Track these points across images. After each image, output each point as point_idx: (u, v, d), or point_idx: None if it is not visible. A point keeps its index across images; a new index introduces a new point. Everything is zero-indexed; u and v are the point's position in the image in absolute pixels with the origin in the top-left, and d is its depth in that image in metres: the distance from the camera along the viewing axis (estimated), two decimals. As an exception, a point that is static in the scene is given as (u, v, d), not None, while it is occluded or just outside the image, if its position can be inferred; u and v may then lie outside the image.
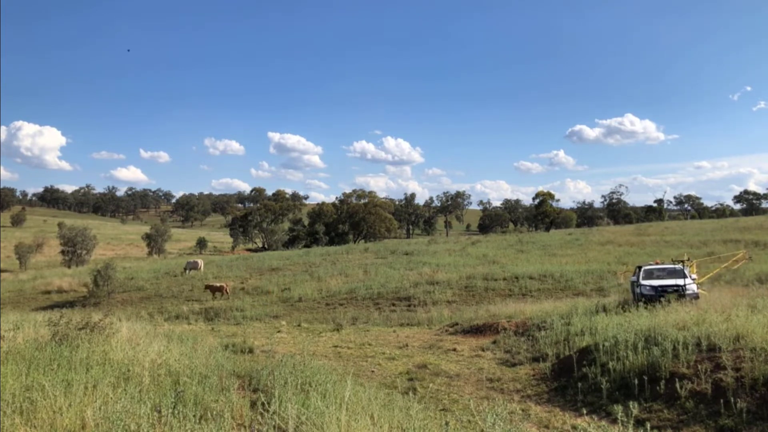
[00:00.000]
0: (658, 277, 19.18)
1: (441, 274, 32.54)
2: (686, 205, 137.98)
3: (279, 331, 22.00)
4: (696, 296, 17.77)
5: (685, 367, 10.29)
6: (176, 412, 5.48)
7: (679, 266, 19.80)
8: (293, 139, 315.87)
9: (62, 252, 67.83)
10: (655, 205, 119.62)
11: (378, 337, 19.95)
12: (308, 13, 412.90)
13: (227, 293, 32.29)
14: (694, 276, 21.59)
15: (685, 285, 18.07)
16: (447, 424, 6.80)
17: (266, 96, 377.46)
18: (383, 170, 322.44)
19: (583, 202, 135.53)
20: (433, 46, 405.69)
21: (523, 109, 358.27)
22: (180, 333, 15.04)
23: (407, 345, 18.00)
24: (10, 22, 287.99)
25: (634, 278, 19.93)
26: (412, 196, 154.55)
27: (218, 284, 33.09)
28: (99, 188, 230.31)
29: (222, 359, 10.53)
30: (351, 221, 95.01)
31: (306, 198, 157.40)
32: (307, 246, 79.43)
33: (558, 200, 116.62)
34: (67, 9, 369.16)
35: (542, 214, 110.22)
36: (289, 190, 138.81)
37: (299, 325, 23.72)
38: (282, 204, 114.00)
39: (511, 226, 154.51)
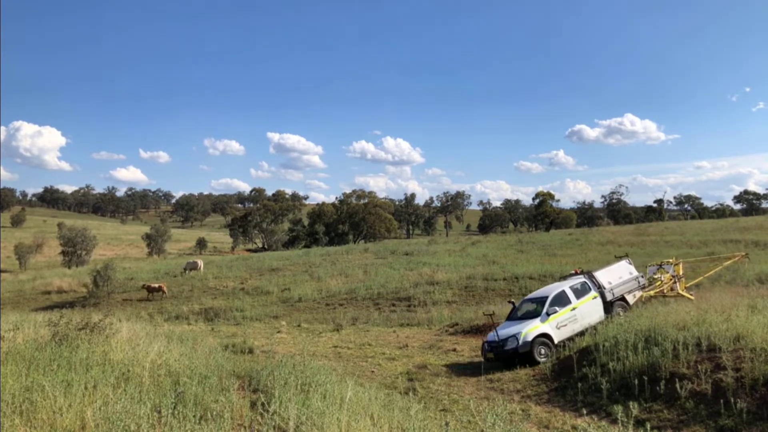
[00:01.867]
0: (523, 318, 15.15)
1: (441, 274, 32.51)
2: (686, 205, 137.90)
3: (279, 332, 22.01)
4: (526, 351, 13.79)
5: (685, 367, 10.29)
6: (176, 412, 5.48)
7: (563, 286, 15.46)
8: (293, 139, 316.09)
9: (62, 252, 67.80)
10: (655, 205, 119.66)
11: (378, 337, 19.95)
12: (308, 14, 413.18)
13: (164, 293, 33.24)
14: (664, 280, 19.16)
15: (501, 338, 14.13)
16: (447, 424, 6.80)
17: (266, 96, 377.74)
18: (383, 170, 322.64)
19: (583, 203, 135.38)
20: (433, 47, 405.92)
21: (523, 109, 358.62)
22: (180, 333, 15.03)
23: (407, 345, 18.00)
24: (10, 22, 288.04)
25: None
26: (412, 196, 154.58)
27: (156, 285, 33.86)
28: (99, 188, 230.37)
29: (222, 359, 10.52)
30: (351, 221, 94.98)
31: (306, 198, 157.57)
32: (307, 246, 79.41)
33: (558, 200, 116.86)
34: (67, 9, 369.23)
35: (542, 215, 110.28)
36: (288, 191, 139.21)
37: (299, 326, 23.72)
38: (282, 204, 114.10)
39: (511, 226, 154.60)
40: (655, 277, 19.00)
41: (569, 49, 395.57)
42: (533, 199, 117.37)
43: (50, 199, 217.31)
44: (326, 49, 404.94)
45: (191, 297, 32.77)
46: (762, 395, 8.78)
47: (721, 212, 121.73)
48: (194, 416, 5.55)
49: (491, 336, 14.79)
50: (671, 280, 18.62)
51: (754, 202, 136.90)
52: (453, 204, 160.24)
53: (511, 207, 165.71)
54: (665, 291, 18.53)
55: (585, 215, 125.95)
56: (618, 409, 7.52)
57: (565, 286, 15.51)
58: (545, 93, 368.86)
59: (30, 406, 5.74)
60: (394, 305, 27.02)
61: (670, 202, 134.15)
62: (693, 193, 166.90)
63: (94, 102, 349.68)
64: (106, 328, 10.56)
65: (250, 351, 16.24)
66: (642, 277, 17.37)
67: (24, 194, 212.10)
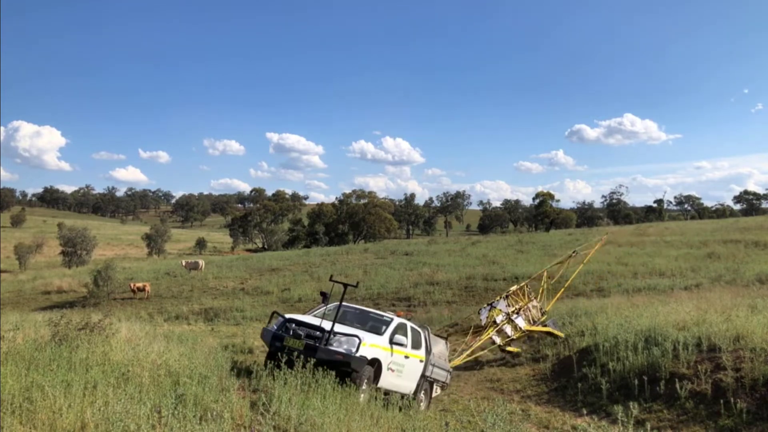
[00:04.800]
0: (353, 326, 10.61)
1: (441, 274, 32.53)
2: (686, 206, 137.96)
3: (279, 332, 22.02)
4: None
5: (685, 367, 10.29)
6: (176, 412, 5.48)
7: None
8: (293, 139, 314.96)
9: (62, 252, 67.77)
10: (655, 205, 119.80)
11: (378, 337, 19.94)
12: (308, 14, 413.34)
13: (148, 293, 33.35)
14: (521, 310, 15.60)
15: (335, 332, 9.31)
16: (447, 424, 6.81)
17: (266, 96, 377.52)
18: (383, 170, 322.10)
19: (583, 203, 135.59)
20: (433, 47, 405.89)
21: (523, 109, 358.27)
22: (180, 333, 15.04)
23: (407, 345, 17.98)
24: (10, 22, 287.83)
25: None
26: (412, 196, 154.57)
27: (141, 284, 34.03)
28: (99, 189, 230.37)
29: (222, 359, 10.52)
30: (351, 221, 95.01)
31: (306, 198, 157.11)
32: (306, 246, 79.41)
33: (558, 200, 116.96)
34: (67, 8, 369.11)
35: (542, 215, 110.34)
36: (288, 191, 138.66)
37: (299, 326, 23.72)
38: (282, 204, 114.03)
39: (511, 226, 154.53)
40: (493, 319, 15.39)
41: (570, 49, 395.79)
42: (533, 199, 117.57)
43: (50, 199, 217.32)
44: (326, 49, 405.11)
45: (191, 297, 32.77)
46: (762, 395, 8.78)
47: (721, 212, 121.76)
48: (194, 416, 5.55)
49: (309, 317, 10.32)
50: (506, 320, 15.25)
51: (754, 202, 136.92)
52: (453, 204, 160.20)
53: (511, 207, 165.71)
54: (509, 333, 15.07)
55: (585, 215, 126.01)
56: (618, 409, 7.51)
57: (408, 323, 11.54)
58: (545, 93, 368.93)
59: (30, 406, 5.74)
60: (394, 305, 27.03)
61: (670, 202, 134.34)
62: (693, 193, 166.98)
63: (93, 102, 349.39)
64: (105, 328, 10.55)
65: (250, 351, 16.25)
66: (450, 375, 13.32)
67: (24, 194, 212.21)
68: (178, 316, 27.46)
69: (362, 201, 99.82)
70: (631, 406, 6.69)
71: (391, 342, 10.15)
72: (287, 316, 10.09)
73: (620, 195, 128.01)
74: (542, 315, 16.32)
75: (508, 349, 15.42)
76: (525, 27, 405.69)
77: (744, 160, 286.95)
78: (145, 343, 10.32)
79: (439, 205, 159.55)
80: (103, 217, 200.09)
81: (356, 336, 9.31)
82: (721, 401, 8.82)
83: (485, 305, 16.37)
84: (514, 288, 16.23)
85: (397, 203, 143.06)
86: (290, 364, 8.41)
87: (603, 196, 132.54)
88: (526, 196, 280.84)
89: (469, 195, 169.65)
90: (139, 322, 16.31)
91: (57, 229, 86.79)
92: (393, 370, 10.20)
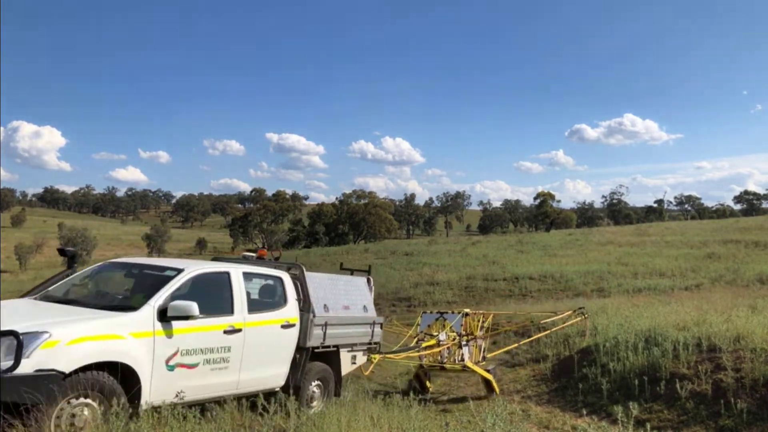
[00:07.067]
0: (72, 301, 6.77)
1: (441, 274, 32.51)
2: (686, 206, 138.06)
3: (279, 332, 21.97)
4: None
5: (685, 367, 10.28)
6: (176, 412, 5.48)
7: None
8: (293, 139, 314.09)
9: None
10: (655, 205, 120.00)
11: (378, 337, 19.91)
12: (308, 13, 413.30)
13: None
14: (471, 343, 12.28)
15: None
16: (447, 424, 6.80)
17: (266, 96, 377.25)
18: (383, 171, 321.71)
19: (584, 203, 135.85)
20: (432, 46, 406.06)
21: (523, 108, 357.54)
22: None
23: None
24: (10, 22, 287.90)
25: None
26: (412, 196, 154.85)
27: None
28: (99, 189, 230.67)
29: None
30: (351, 222, 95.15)
31: (306, 198, 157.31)
32: (307, 246, 79.53)
33: (558, 201, 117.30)
34: (67, 8, 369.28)
35: (542, 215, 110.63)
36: (289, 191, 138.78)
37: (299, 326, 23.69)
38: (282, 204, 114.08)
39: (511, 226, 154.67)
40: (433, 335, 12.12)
41: (570, 48, 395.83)
42: (534, 199, 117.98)
43: (50, 199, 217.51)
44: (326, 48, 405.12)
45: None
46: (762, 395, 8.78)
47: (722, 212, 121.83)
48: (194, 416, 5.55)
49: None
50: (454, 341, 11.94)
51: (754, 202, 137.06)
52: (453, 204, 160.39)
53: (511, 207, 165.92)
54: (445, 360, 11.87)
55: (585, 215, 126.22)
56: (618, 410, 7.51)
57: (236, 268, 7.44)
58: (545, 93, 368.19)
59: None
60: (394, 305, 27.00)
61: (671, 203, 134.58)
62: (693, 193, 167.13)
63: (94, 102, 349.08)
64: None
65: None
66: (379, 326, 9.86)
67: (24, 194, 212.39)
68: (178, 316, 27.45)
69: (362, 201, 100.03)
70: (632, 407, 6.68)
71: (166, 317, 6.04)
72: None
73: (620, 195, 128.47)
74: (483, 360, 13.35)
75: (427, 382, 12.29)
76: (524, 27, 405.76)
77: (744, 160, 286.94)
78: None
79: (439, 205, 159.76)
80: (103, 218, 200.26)
81: (10, 332, 4.80)
82: (722, 401, 8.81)
83: (430, 311, 14.00)
84: (468, 311, 13.56)
85: (397, 203, 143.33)
86: None
87: (603, 196, 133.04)
88: (526, 196, 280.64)
89: (469, 195, 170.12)
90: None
91: (57, 229, 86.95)
92: (194, 367, 6.36)
